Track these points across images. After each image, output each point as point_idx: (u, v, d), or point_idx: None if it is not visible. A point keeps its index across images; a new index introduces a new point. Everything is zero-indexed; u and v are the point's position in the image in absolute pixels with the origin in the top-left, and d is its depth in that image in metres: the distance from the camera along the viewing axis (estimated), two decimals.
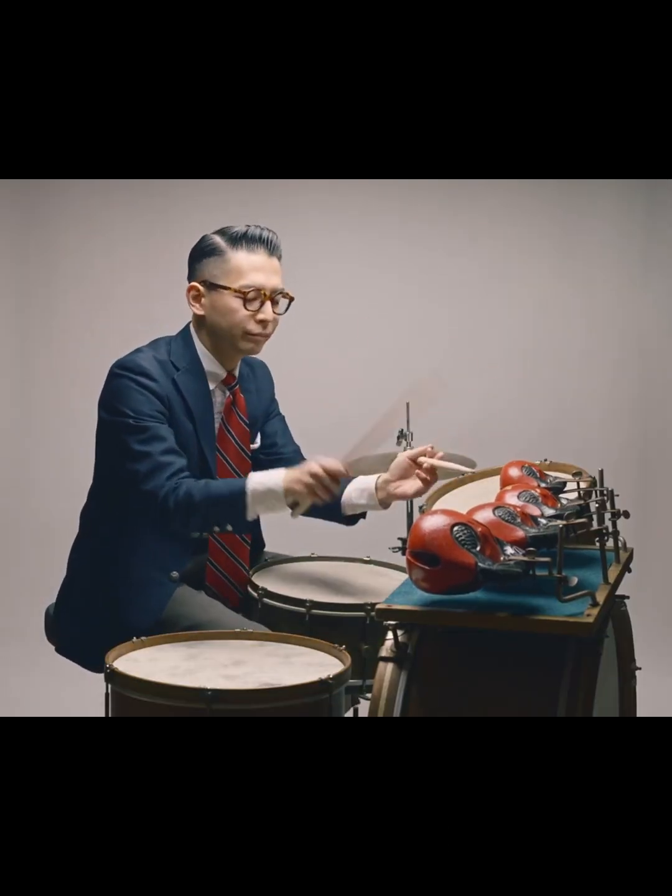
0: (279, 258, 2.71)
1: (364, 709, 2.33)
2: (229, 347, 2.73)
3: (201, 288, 2.69)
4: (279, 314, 2.71)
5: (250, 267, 2.66)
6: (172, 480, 2.56)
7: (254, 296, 2.66)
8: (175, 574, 2.69)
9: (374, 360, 4.54)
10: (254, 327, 2.68)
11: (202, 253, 2.70)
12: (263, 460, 2.85)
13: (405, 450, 2.97)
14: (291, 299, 2.72)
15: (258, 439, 2.87)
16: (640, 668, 2.43)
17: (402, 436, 3.00)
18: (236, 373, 2.79)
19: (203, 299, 2.69)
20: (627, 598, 2.33)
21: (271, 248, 2.69)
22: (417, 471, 2.68)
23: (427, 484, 2.68)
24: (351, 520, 2.84)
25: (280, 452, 2.91)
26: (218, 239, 2.69)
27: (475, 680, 2.06)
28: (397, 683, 2.07)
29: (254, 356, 2.82)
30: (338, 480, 2.54)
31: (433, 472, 2.69)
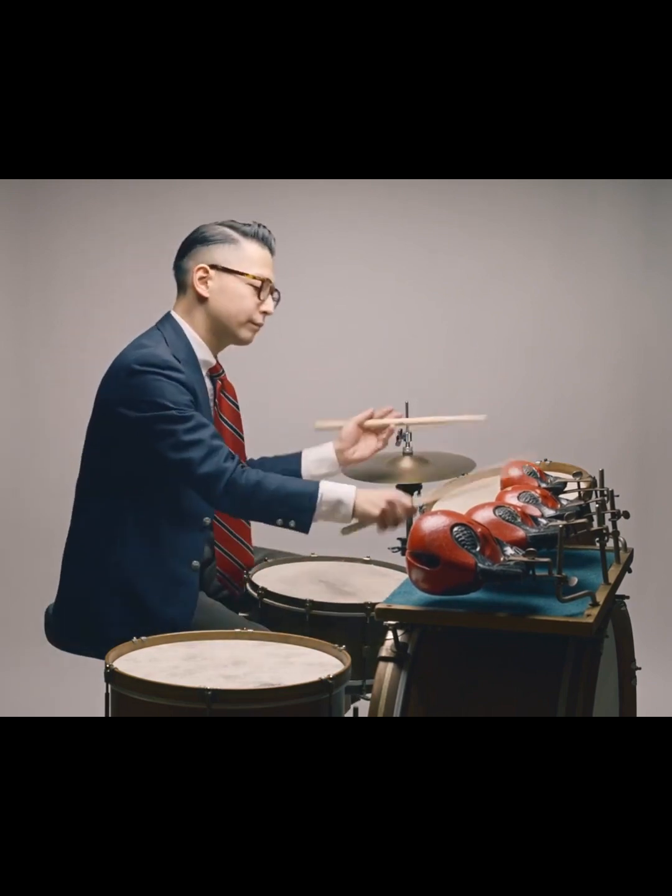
0: None
1: (364, 709, 2.33)
2: (226, 334, 2.77)
3: (210, 271, 2.72)
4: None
5: (261, 260, 2.76)
6: (232, 462, 2.59)
7: (262, 287, 2.74)
8: (195, 563, 2.68)
9: (374, 360, 4.54)
10: (258, 317, 2.76)
11: (211, 239, 2.74)
12: None
13: (405, 450, 2.97)
14: (279, 299, 2.82)
15: None
16: (640, 668, 2.43)
17: (402, 436, 3.00)
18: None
19: (210, 282, 2.73)
20: (627, 598, 2.33)
21: (272, 249, 2.79)
22: (366, 432, 2.88)
23: (382, 442, 2.92)
24: None
25: None
26: (228, 229, 2.74)
27: (475, 680, 2.06)
28: (397, 683, 2.07)
29: None
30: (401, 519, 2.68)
31: (380, 430, 2.91)
